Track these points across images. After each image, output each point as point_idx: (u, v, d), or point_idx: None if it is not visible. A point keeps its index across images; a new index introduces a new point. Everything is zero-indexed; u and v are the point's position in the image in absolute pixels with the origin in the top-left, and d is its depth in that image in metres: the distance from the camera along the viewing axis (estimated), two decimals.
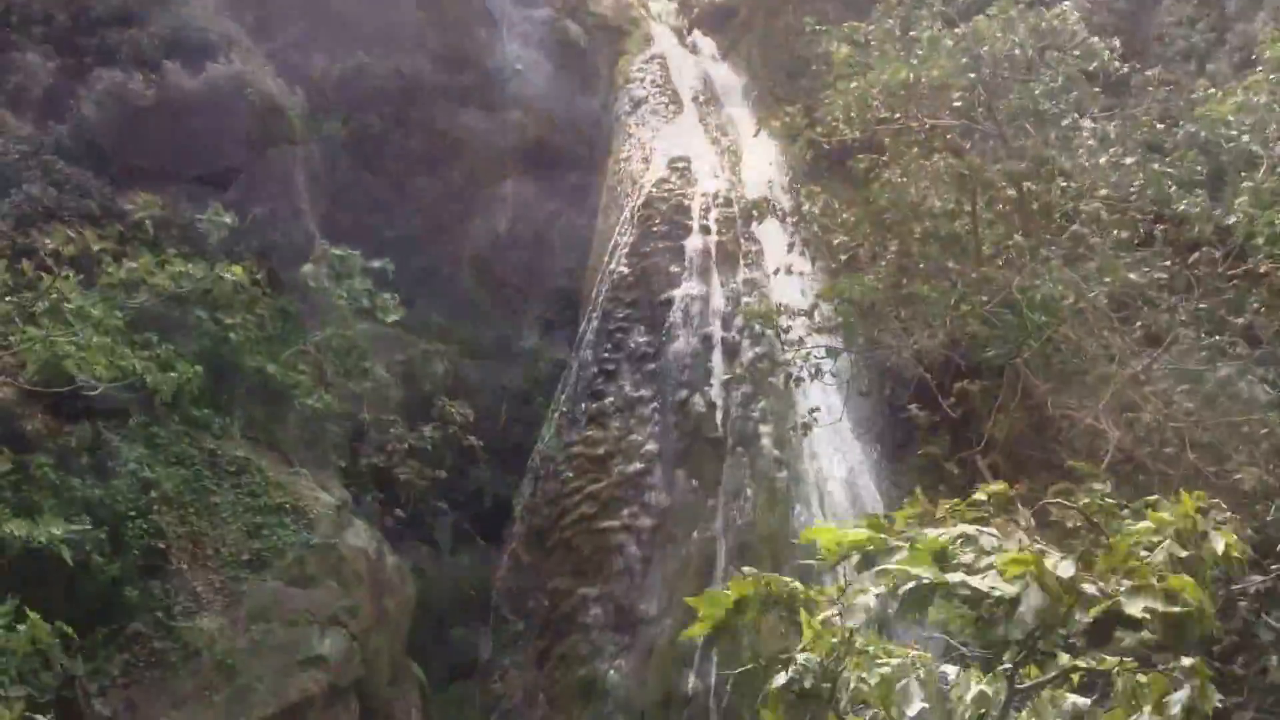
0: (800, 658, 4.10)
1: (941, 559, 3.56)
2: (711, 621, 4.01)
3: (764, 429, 17.09)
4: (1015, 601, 3.21)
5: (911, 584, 3.23)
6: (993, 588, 3.18)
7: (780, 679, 4.11)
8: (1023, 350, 13.93)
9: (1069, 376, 14.25)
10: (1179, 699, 3.96)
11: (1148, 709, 3.99)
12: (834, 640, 4.08)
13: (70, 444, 15.27)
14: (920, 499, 4.09)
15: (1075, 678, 4.36)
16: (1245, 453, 12.65)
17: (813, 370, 14.99)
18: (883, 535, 3.73)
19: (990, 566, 3.37)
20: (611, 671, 16.60)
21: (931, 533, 3.73)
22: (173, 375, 14.76)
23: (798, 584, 4.15)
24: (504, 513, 18.85)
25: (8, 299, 13.08)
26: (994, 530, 3.73)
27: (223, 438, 16.49)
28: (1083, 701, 4.35)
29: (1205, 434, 12.97)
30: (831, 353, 15.33)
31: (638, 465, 17.43)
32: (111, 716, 14.23)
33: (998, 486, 4.20)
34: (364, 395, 18.17)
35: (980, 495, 4.15)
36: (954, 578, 3.23)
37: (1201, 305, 13.48)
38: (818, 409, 15.73)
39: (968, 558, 3.51)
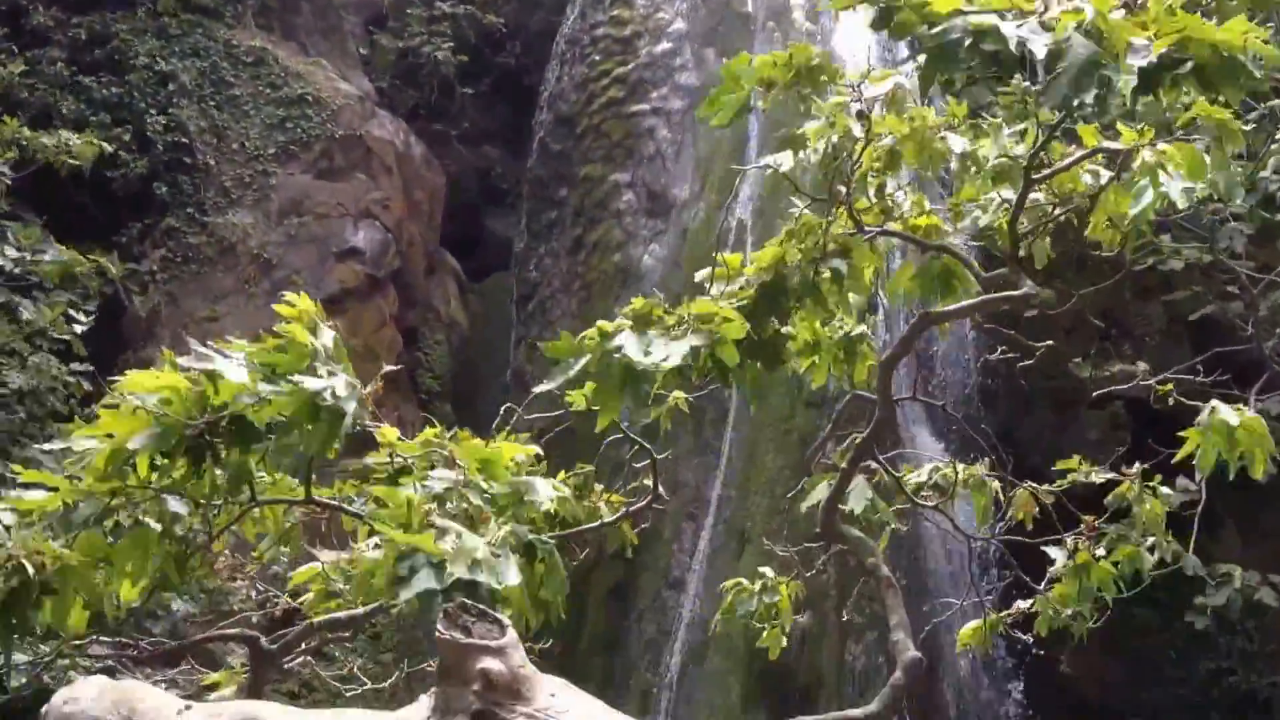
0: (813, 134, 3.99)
1: None
2: (740, 95, 3.85)
3: (795, 1, 16.40)
4: (1057, 55, 3.01)
5: (937, 30, 3.02)
6: (1032, 34, 2.97)
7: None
8: None
9: None
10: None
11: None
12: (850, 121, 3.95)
13: (81, 37, 14.95)
14: None
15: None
16: None
17: None
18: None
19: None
20: (646, 256, 16.75)
21: None
22: None
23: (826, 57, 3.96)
24: (531, 101, 18.52)
25: None
26: None
27: (236, 28, 16.06)
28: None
29: None
30: None
31: (666, 45, 16.90)
32: (153, 312, 14.64)
33: None
34: None
35: None
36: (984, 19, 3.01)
37: None
38: None
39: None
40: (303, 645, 5.14)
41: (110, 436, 2.91)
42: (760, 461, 15.48)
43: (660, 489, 4.98)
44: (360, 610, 4.59)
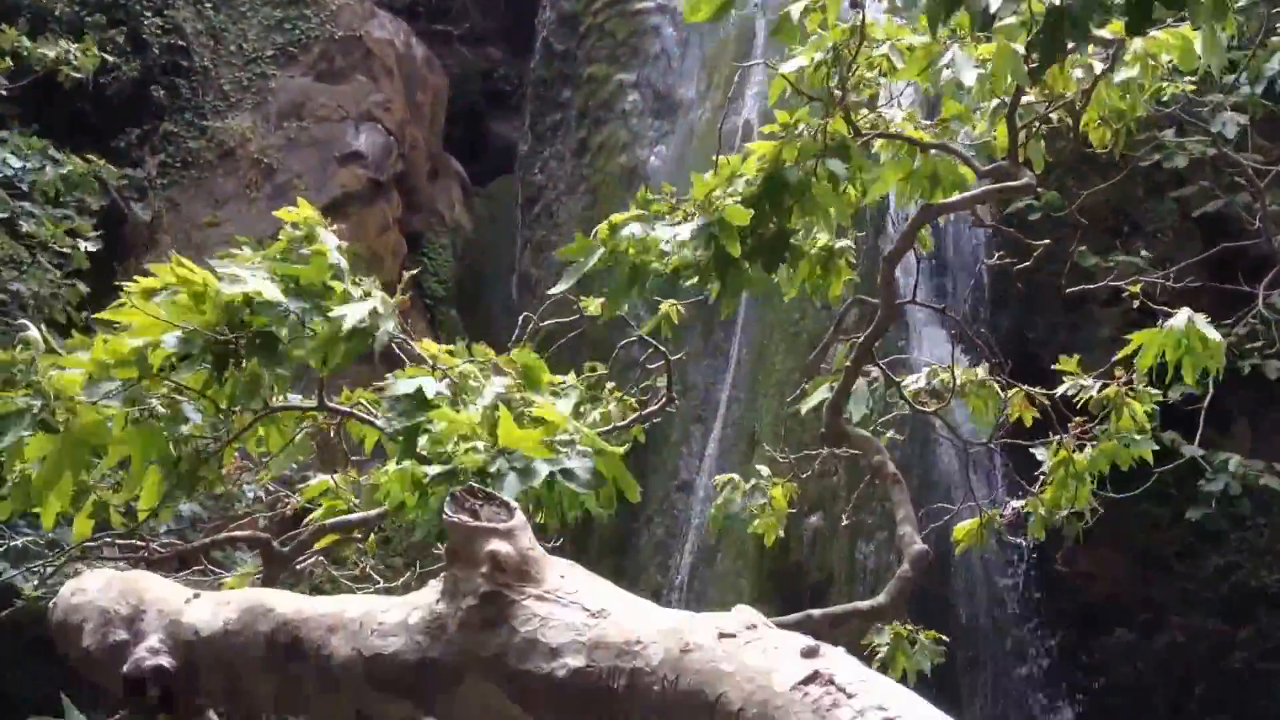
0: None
1: None
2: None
3: None
4: None
5: None
6: None
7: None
8: None
9: None
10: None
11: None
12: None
13: None
14: None
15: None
16: None
17: None
18: None
19: None
20: (652, 158, 16.58)
21: None
22: None
23: None
24: (534, 1, 18.19)
25: None
26: None
27: None
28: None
29: None
30: None
31: None
32: (154, 218, 14.53)
33: None
34: None
35: None
36: None
37: None
38: None
39: None
40: (315, 548, 5.14)
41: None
42: (769, 363, 15.44)
43: (673, 391, 4.94)
44: (372, 513, 4.57)
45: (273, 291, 2.78)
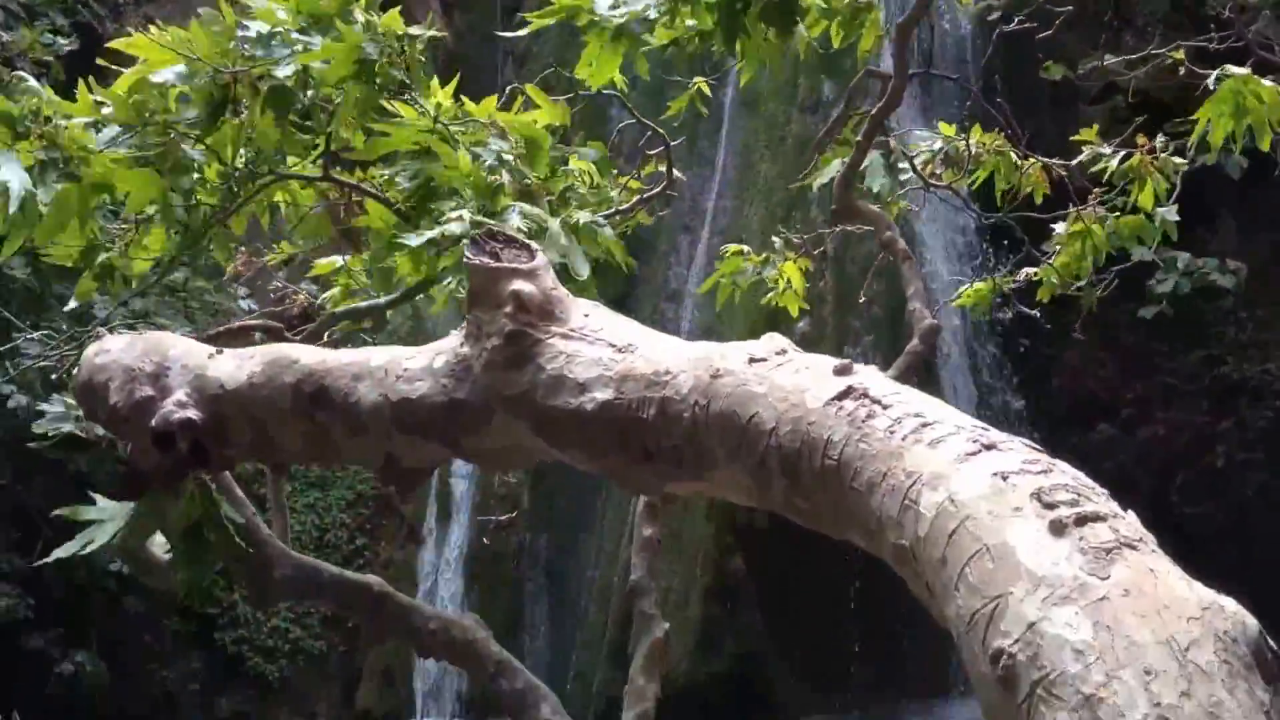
0: None
1: None
2: None
3: None
4: None
5: None
6: None
7: None
8: None
9: None
10: None
11: None
12: None
13: None
14: None
15: None
16: None
17: None
18: None
19: None
20: None
21: None
22: None
23: None
24: None
25: None
26: None
27: None
28: None
29: None
30: None
31: None
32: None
33: None
34: None
35: None
36: None
37: None
38: None
39: None
40: (325, 337, 5.14)
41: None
42: (756, 169, 15.31)
43: (674, 174, 4.86)
44: (381, 300, 4.55)
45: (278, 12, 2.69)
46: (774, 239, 5.86)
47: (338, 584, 3.91)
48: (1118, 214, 5.28)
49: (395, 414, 2.23)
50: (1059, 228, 5.61)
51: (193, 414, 2.35)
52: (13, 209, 2.64)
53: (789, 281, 5.57)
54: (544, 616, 17.57)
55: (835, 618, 16.34)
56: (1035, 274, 5.64)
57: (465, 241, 2.18)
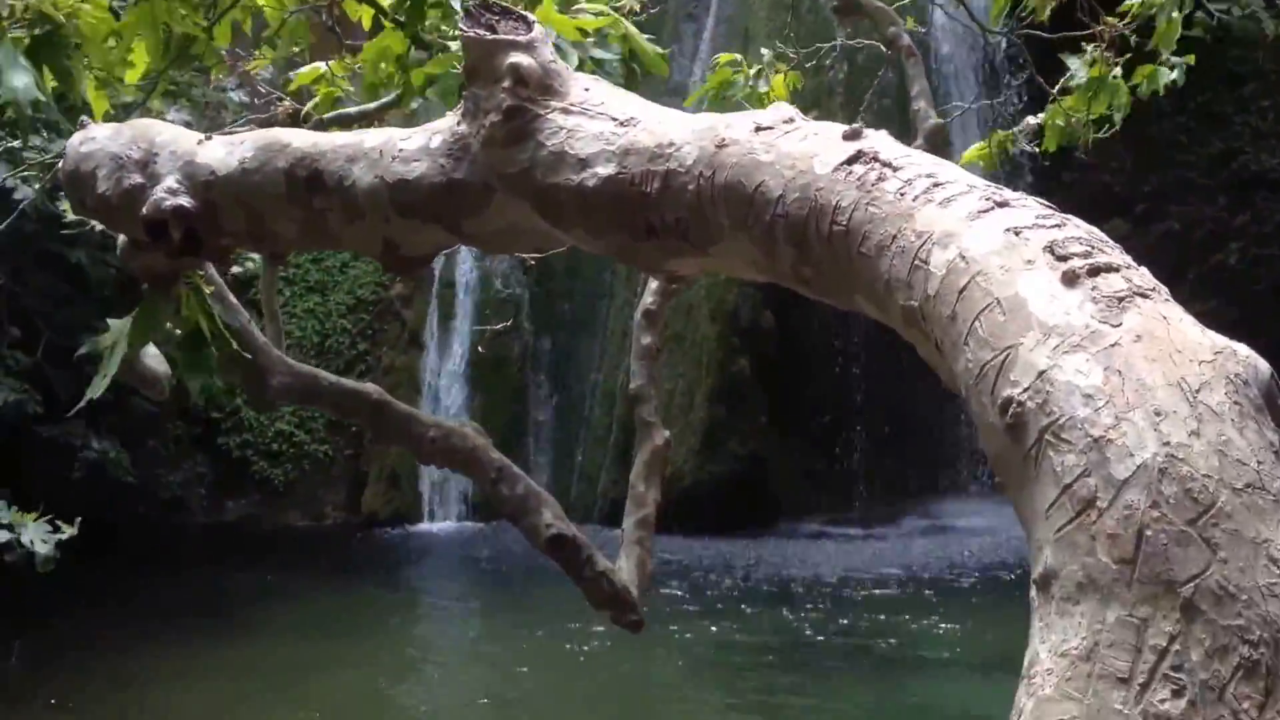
0: None
1: None
2: None
3: None
4: None
5: None
6: None
7: None
8: None
9: None
10: None
11: None
12: None
13: None
14: None
15: None
16: None
17: None
18: None
19: None
20: None
21: None
22: None
23: None
24: None
25: None
26: None
27: None
28: None
29: None
30: None
31: None
32: None
33: None
34: None
35: None
36: None
37: None
38: None
39: None
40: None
41: None
42: None
43: None
44: (371, 105, 4.48)
45: None
46: (763, 50, 5.75)
47: (335, 391, 3.92)
48: (1129, 55, 5.17)
49: (393, 196, 2.21)
50: (1073, 64, 5.48)
51: (185, 201, 2.34)
52: (27, 112, 2.65)
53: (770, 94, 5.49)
54: (548, 420, 17.86)
55: (839, 421, 16.61)
56: (1043, 119, 5.56)
57: (459, 15, 2.12)
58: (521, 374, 18.06)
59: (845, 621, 11.92)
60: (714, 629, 12.07)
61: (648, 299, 4.34)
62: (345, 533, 17.42)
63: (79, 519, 4.87)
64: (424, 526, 17.47)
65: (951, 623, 11.70)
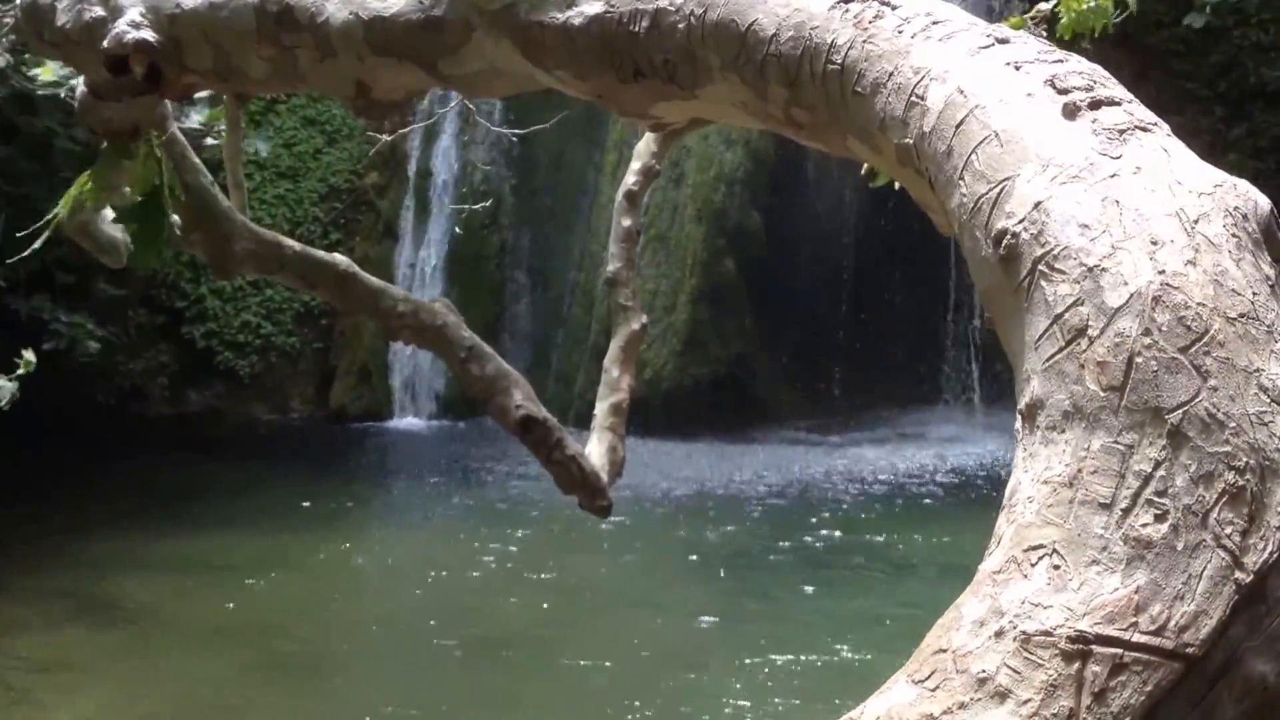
0: None
1: None
2: None
3: None
4: None
5: None
6: None
7: None
8: None
9: None
10: None
11: None
12: None
13: None
14: None
15: None
16: None
17: None
18: None
19: None
20: None
21: None
22: None
23: None
24: None
25: None
26: None
27: None
28: None
29: None
30: None
31: None
32: None
33: None
34: None
35: None
36: None
37: None
38: None
39: None
40: None
41: None
42: None
43: None
44: None
45: None
46: None
47: (301, 259, 3.83)
48: None
49: (367, 33, 2.16)
50: None
51: (148, 35, 2.28)
52: None
53: None
54: (525, 317, 17.80)
55: (825, 323, 16.62)
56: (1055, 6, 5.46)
57: None
58: (499, 270, 17.96)
59: (819, 527, 12.06)
60: (682, 532, 12.19)
61: (630, 180, 4.27)
62: (311, 428, 17.39)
63: (30, 350, 4.84)
64: (393, 423, 17.45)
65: (924, 530, 11.86)
